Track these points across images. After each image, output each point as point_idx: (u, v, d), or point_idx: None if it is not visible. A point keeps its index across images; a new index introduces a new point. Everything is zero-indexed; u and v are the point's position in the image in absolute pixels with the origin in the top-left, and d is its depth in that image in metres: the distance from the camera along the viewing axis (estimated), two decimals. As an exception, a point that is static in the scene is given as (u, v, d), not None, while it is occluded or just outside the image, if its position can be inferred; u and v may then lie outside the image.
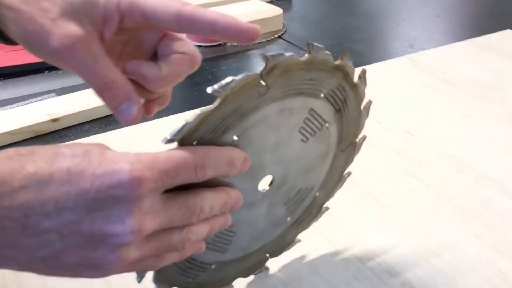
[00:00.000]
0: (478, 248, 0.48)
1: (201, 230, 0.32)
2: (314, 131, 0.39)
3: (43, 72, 0.84)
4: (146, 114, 0.38)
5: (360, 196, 0.56)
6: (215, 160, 0.31)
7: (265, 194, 0.39)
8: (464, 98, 0.76)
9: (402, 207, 0.54)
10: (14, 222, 0.27)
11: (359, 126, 0.43)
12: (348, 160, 0.45)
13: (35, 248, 0.28)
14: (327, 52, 0.35)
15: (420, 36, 1.00)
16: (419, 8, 1.18)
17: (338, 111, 0.40)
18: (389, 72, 0.84)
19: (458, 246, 0.49)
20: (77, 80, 0.79)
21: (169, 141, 0.30)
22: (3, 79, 0.82)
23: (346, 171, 0.46)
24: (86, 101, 0.72)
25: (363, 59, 0.88)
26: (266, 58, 0.32)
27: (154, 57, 0.37)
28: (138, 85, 0.36)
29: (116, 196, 0.27)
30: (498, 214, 0.53)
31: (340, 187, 0.46)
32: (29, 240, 0.27)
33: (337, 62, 0.37)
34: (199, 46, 0.87)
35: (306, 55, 0.34)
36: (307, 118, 0.38)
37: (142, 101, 0.37)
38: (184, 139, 0.31)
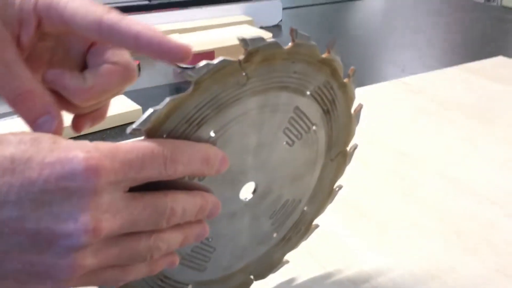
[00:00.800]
0: (481, 272, 0.45)
1: (172, 238, 0.28)
2: (301, 134, 0.35)
3: None
4: (75, 130, 0.33)
5: (353, 216, 0.52)
6: (188, 155, 0.27)
7: (248, 204, 0.35)
8: (458, 120, 0.73)
9: (398, 228, 0.50)
10: None
11: (349, 133, 0.40)
12: (339, 171, 0.41)
13: None
14: (313, 42, 0.32)
15: (411, 61, 0.99)
16: (410, 35, 1.17)
17: (327, 112, 0.36)
18: (381, 94, 0.82)
19: (458, 269, 0.45)
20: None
21: (134, 131, 0.26)
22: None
23: (336, 184, 0.42)
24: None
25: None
26: (244, 42, 0.28)
27: (85, 67, 0.33)
28: (63, 97, 0.31)
29: (68, 188, 0.23)
30: (502, 237, 0.49)
31: (331, 201, 0.42)
32: None
33: (324, 55, 0.34)
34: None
35: (290, 43, 0.31)
36: (292, 118, 0.34)
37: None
38: (152, 130, 0.27)
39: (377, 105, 0.77)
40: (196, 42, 0.90)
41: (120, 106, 0.71)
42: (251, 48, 0.29)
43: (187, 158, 0.27)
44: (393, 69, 0.95)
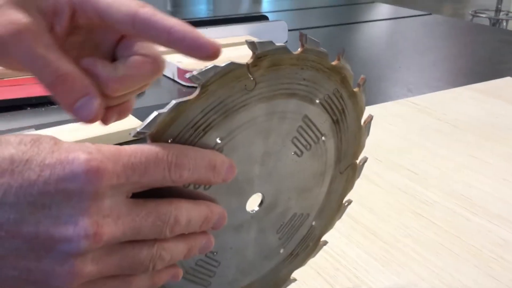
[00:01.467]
0: (498, 292, 0.43)
1: (176, 249, 0.27)
2: (310, 144, 0.34)
3: (25, 108, 0.80)
4: (103, 123, 0.33)
5: (362, 234, 0.50)
6: (193, 161, 0.26)
7: (254, 216, 0.33)
8: (467, 138, 0.72)
9: (409, 247, 0.48)
10: None
11: (359, 144, 0.38)
12: (348, 185, 0.40)
13: None
14: (323, 49, 0.31)
15: (418, 82, 0.98)
16: (415, 57, 1.17)
17: (336, 122, 0.35)
18: (388, 113, 0.81)
19: (474, 289, 0.43)
20: (60, 116, 0.75)
21: (138, 134, 0.25)
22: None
23: (346, 199, 0.40)
24: (68, 135, 0.67)
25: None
26: (253, 45, 0.27)
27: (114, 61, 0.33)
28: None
29: (68, 190, 0.22)
30: (516, 255, 0.47)
31: (340, 217, 0.41)
32: None
33: (333, 63, 0.33)
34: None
35: (299, 48, 0.30)
36: (301, 127, 0.33)
37: None
38: (157, 134, 0.26)
39: (385, 123, 0.76)
40: (201, 62, 0.89)
41: (125, 123, 0.70)
42: (260, 52, 0.28)
43: (193, 163, 0.26)
44: (399, 89, 0.94)
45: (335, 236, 0.49)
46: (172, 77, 0.92)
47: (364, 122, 0.38)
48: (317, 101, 0.33)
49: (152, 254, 0.26)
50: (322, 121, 0.34)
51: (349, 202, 0.41)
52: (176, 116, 0.26)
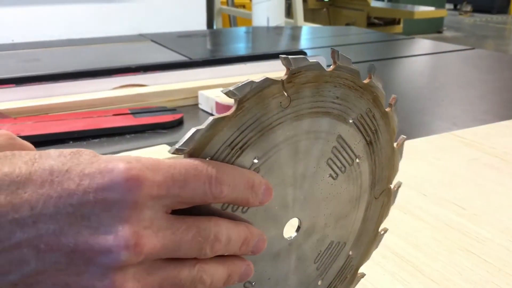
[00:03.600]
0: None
1: (216, 272, 0.26)
2: (344, 166, 0.33)
3: (67, 142, 0.81)
4: None
5: (408, 272, 0.47)
6: (232, 178, 0.25)
7: (292, 243, 0.32)
8: (519, 173, 0.68)
9: (459, 286, 0.45)
10: None
11: (393, 168, 0.37)
12: (384, 212, 0.38)
13: (3, 271, 0.21)
14: (355, 66, 0.31)
15: (463, 115, 0.95)
16: (459, 90, 1.14)
17: (369, 144, 0.34)
18: (432, 147, 0.78)
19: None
20: (101, 150, 0.76)
21: (178, 151, 0.25)
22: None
23: (381, 227, 0.38)
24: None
25: (404, 135, 0.82)
26: (287, 61, 0.27)
27: None
28: None
29: (107, 200, 0.22)
30: None
31: (376, 246, 0.39)
32: None
33: (365, 81, 0.32)
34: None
35: (332, 65, 0.30)
36: (335, 148, 0.32)
37: None
38: (195, 152, 0.25)
39: (429, 157, 0.73)
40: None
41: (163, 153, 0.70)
42: (294, 68, 0.27)
43: (232, 180, 0.25)
44: (443, 123, 0.91)
45: (379, 273, 0.46)
46: (210, 111, 0.92)
47: (397, 144, 0.37)
48: (351, 120, 0.32)
49: (194, 275, 0.25)
50: (356, 142, 0.33)
51: (385, 230, 0.39)
52: (213, 133, 0.25)
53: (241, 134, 0.26)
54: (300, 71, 0.28)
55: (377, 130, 0.34)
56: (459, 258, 0.49)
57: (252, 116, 0.27)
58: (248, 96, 0.26)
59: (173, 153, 0.25)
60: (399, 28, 5.21)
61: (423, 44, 1.76)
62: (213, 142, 0.26)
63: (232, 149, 0.26)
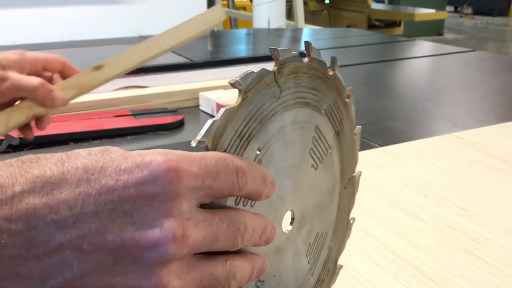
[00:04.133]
0: None
1: (243, 267, 0.26)
2: (322, 157, 0.33)
3: (68, 143, 0.81)
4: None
5: (409, 273, 0.47)
6: (252, 170, 0.26)
7: (289, 237, 0.32)
8: (520, 174, 0.68)
9: (460, 286, 0.45)
10: (16, 238, 0.20)
11: (354, 157, 0.38)
12: (352, 201, 0.39)
13: (44, 276, 0.20)
14: (322, 58, 0.31)
15: (464, 116, 0.95)
16: (460, 92, 1.14)
17: (337, 133, 0.35)
18: (433, 148, 0.78)
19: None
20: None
21: (200, 143, 0.25)
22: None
23: (350, 216, 0.39)
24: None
25: (405, 136, 0.82)
26: (276, 52, 0.28)
27: None
28: None
29: (149, 193, 0.21)
30: None
31: (349, 236, 0.39)
32: (36, 264, 0.20)
33: (330, 73, 0.33)
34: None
35: (306, 58, 0.30)
36: (314, 138, 0.32)
37: None
38: (213, 144, 0.26)
39: (430, 158, 0.73)
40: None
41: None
42: (282, 59, 0.28)
43: (253, 172, 0.26)
44: (444, 124, 0.91)
45: (379, 273, 0.46)
46: (211, 113, 0.92)
47: (355, 134, 0.37)
48: (323, 111, 0.33)
49: (227, 271, 0.25)
50: (328, 131, 0.34)
51: (353, 219, 0.39)
52: (226, 124, 0.26)
53: (247, 125, 0.27)
54: (286, 62, 0.29)
55: (342, 120, 0.35)
56: (459, 259, 0.49)
57: (254, 106, 0.27)
58: (250, 86, 0.27)
59: (196, 145, 0.25)
60: (399, 30, 5.22)
61: (423, 46, 1.76)
62: (226, 134, 0.26)
63: (240, 140, 0.27)
